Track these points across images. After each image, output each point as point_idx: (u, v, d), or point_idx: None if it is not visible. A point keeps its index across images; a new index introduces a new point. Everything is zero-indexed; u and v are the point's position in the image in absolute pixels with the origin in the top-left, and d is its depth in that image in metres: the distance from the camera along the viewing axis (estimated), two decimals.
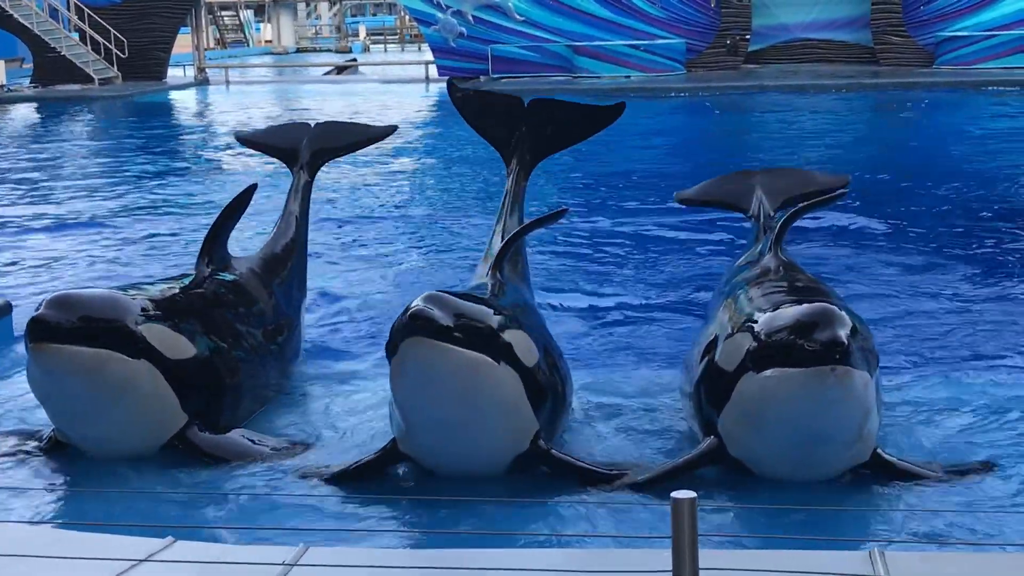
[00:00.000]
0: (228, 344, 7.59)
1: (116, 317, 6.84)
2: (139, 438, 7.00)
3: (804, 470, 6.46)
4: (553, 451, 6.63)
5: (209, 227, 8.26)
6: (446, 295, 6.33)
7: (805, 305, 6.49)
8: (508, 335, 6.36)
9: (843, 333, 6.14)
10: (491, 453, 6.52)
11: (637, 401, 8.03)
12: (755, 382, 6.30)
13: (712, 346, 6.94)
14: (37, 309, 6.68)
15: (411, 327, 6.02)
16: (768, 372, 6.23)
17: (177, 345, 7.05)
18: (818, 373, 6.06)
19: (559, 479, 6.58)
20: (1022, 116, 27.55)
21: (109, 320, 6.80)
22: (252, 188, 8.37)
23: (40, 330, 6.61)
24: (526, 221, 8.44)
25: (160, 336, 6.95)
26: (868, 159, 20.41)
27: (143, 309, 7.02)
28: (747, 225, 9.46)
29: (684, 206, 10.56)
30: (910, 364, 8.85)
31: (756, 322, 6.50)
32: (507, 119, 9.16)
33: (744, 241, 9.55)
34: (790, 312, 6.41)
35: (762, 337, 6.33)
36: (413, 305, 6.13)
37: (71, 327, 6.63)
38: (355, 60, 50.94)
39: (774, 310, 6.54)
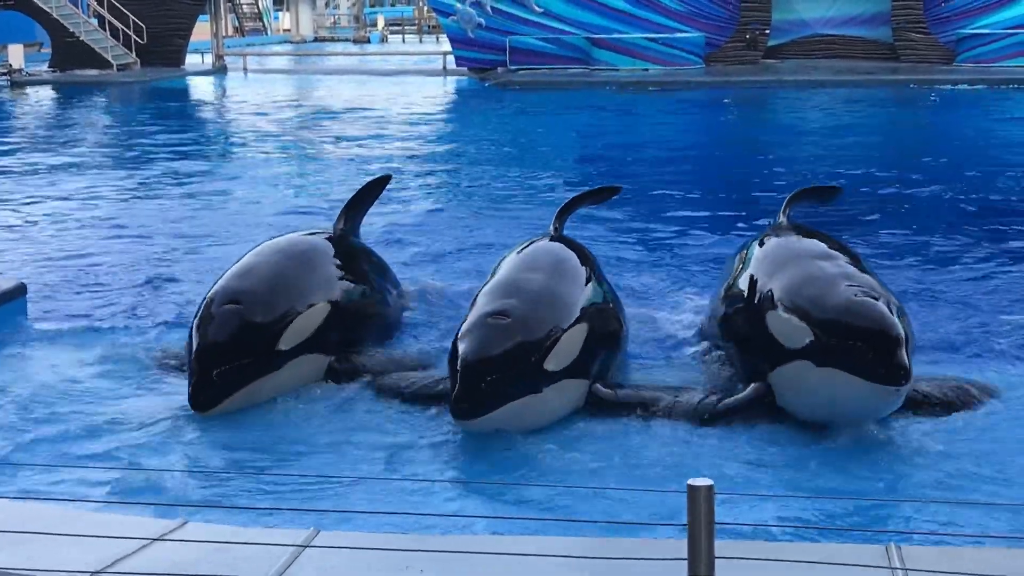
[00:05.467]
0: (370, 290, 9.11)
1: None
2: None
3: (846, 422, 7.07)
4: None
5: (350, 199, 9.80)
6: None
7: (865, 307, 6.91)
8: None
9: (906, 351, 6.73)
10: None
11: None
12: (814, 372, 6.98)
13: (757, 300, 7.65)
14: None
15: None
16: (829, 370, 6.89)
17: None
18: (882, 391, 6.77)
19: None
20: None
21: None
22: (386, 179, 10.22)
23: None
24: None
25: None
26: (883, 153, 20.32)
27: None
28: None
29: None
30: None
31: (815, 306, 7.11)
32: None
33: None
34: (853, 315, 6.90)
35: (825, 335, 6.95)
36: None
37: None
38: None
39: (832, 300, 7.06)
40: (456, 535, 5.61)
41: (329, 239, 9.19)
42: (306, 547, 5.07)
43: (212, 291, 8.06)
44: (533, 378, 7.13)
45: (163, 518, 5.52)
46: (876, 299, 6.99)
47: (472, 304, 7.71)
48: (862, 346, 6.78)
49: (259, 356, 7.69)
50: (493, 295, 7.66)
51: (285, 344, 7.83)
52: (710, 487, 3.99)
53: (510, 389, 7.02)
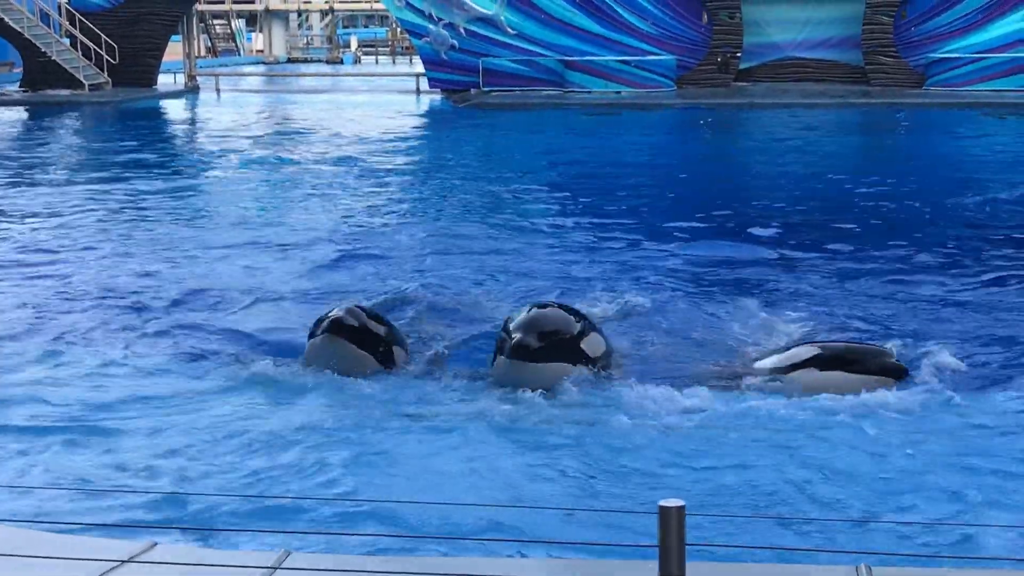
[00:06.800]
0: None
1: None
2: None
3: None
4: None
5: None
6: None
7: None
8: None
9: None
10: None
11: None
12: None
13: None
14: None
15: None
16: None
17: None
18: None
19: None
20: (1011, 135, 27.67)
21: None
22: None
23: None
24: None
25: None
26: (854, 174, 20.44)
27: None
28: None
29: None
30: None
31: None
32: None
33: None
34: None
35: None
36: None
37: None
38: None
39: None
40: (428, 557, 5.58)
41: None
42: (277, 569, 5.03)
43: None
44: (571, 350, 8.59)
45: (132, 540, 5.47)
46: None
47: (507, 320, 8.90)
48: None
49: None
50: (526, 307, 9.11)
51: None
52: (681, 507, 3.98)
53: (555, 351, 8.47)
